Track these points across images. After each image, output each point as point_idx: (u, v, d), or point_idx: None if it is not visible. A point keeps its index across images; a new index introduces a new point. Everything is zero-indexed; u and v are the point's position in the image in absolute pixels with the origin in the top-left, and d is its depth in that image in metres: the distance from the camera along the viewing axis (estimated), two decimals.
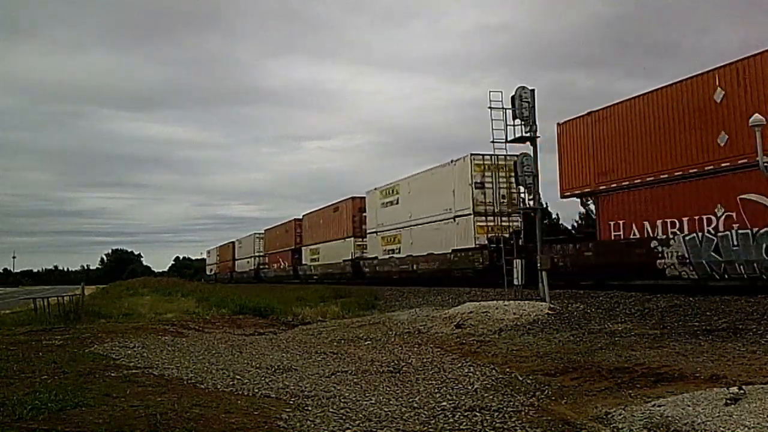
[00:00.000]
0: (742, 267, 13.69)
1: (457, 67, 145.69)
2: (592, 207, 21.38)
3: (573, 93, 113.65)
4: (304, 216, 48.08)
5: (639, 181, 16.81)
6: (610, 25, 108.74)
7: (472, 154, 24.45)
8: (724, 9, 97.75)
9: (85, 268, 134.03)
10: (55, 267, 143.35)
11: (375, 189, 33.85)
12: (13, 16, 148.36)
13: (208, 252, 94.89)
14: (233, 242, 75.14)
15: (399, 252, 30.51)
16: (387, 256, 31.96)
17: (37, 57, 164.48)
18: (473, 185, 24.23)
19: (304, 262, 46.73)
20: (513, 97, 16.34)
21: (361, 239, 35.96)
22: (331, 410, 5.97)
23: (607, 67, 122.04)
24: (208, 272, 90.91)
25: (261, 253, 61.64)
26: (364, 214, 35.62)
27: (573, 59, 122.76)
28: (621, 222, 17.45)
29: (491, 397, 6.62)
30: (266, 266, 59.12)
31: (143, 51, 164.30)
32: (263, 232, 61.86)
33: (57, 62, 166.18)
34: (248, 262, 65.23)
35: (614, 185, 17.70)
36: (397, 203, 31.18)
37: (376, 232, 33.35)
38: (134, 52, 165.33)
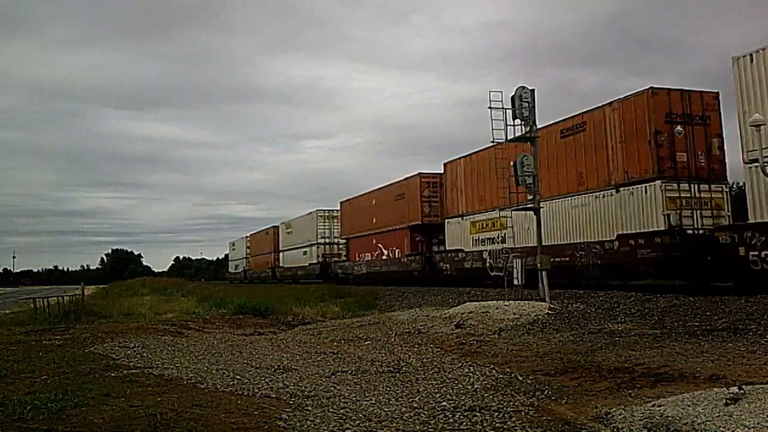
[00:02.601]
0: None
1: (457, 64, 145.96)
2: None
3: (575, 91, 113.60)
4: (448, 164, 26.82)
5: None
6: (611, 22, 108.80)
7: None
8: (726, 7, 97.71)
9: (85, 268, 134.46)
10: (55, 267, 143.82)
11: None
12: (11, 13, 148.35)
13: (233, 244, 76.02)
14: (275, 227, 54.94)
15: None
16: None
17: (35, 54, 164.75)
18: None
19: (453, 247, 25.73)
20: (513, 97, 16.34)
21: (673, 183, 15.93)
22: (331, 410, 5.97)
23: (609, 65, 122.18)
24: (232, 269, 74.22)
25: (330, 239, 43.29)
26: (678, 128, 16.21)
27: (575, 57, 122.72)
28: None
29: (491, 397, 6.62)
30: (341, 258, 40.97)
31: (142, 48, 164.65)
32: (338, 206, 41.16)
33: (55, 60, 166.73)
34: (305, 253, 45.39)
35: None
36: None
37: None
38: (133, 49, 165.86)
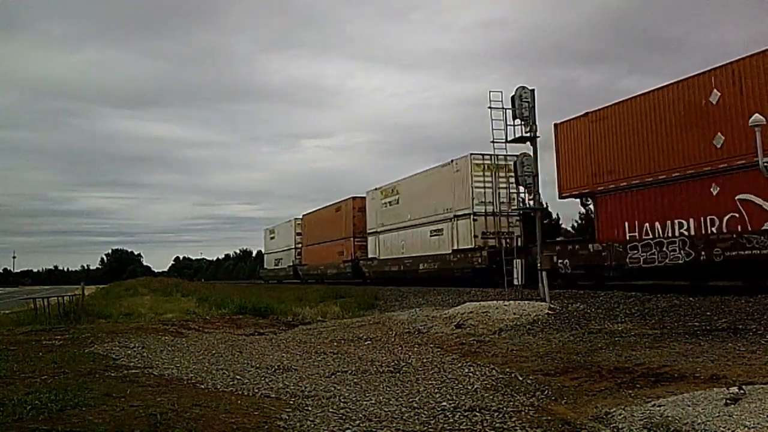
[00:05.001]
0: None
1: (457, 63, 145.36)
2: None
3: (576, 90, 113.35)
4: None
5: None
6: (613, 20, 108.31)
7: None
8: (730, 4, 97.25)
9: (85, 268, 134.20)
10: (55, 267, 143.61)
11: None
12: (8, 11, 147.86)
13: (271, 231, 55.95)
14: (357, 197, 36.14)
15: None
16: None
17: (33, 52, 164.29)
18: None
19: None
20: (513, 97, 16.38)
21: None
22: (331, 410, 5.97)
23: (611, 63, 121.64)
24: (270, 265, 55.69)
25: (495, 206, 23.38)
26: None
27: (576, 55, 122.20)
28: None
29: (491, 397, 6.62)
30: (565, 238, 24.68)
31: (141, 47, 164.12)
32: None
33: (54, 58, 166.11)
34: (436, 233, 26.59)
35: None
36: None
37: None
38: (132, 47, 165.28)
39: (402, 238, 29.87)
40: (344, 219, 37.20)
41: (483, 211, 23.63)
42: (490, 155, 22.56)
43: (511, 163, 22.12)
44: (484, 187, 23.84)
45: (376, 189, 33.39)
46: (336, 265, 38.04)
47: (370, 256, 33.47)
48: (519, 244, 22.09)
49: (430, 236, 26.85)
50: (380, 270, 31.93)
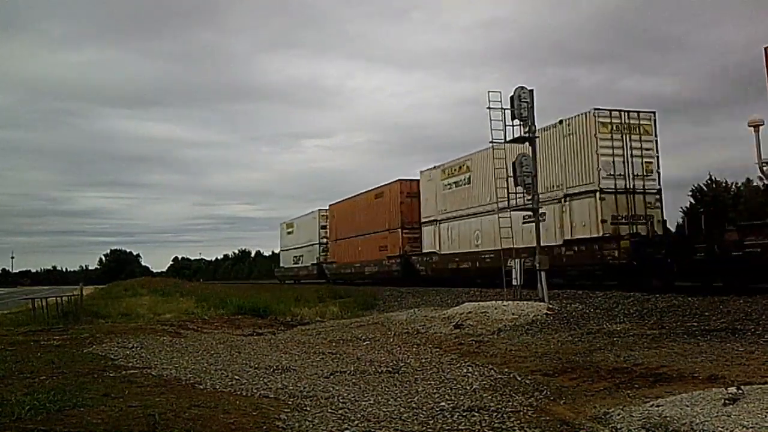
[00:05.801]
0: None
1: (457, 63, 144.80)
2: None
3: (576, 90, 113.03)
4: None
5: None
6: (613, 20, 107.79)
7: None
8: (730, 4, 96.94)
9: (84, 268, 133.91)
10: (54, 267, 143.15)
11: None
12: (7, 10, 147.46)
13: (289, 226, 50.10)
14: (404, 181, 30.57)
15: None
16: None
17: (32, 52, 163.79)
18: None
19: None
20: (512, 98, 16.38)
21: None
22: (329, 410, 5.97)
23: (611, 63, 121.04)
24: (287, 263, 49.83)
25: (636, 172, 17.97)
26: None
27: (576, 55, 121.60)
28: None
29: (490, 397, 6.63)
30: None
31: (141, 47, 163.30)
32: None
33: (53, 58, 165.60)
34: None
35: None
36: None
37: None
38: (132, 47, 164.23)
39: (476, 227, 23.83)
40: (389, 207, 30.82)
41: (613, 186, 17.51)
42: (620, 111, 17.95)
43: (647, 122, 18.04)
44: (613, 155, 17.82)
45: (435, 167, 27.09)
46: (378, 263, 31.64)
47: (426, 250, 27.41)
48: (661, 230, 17.93)
49: (523, 223, 19.61)
50: (443, 267, 25.93)
